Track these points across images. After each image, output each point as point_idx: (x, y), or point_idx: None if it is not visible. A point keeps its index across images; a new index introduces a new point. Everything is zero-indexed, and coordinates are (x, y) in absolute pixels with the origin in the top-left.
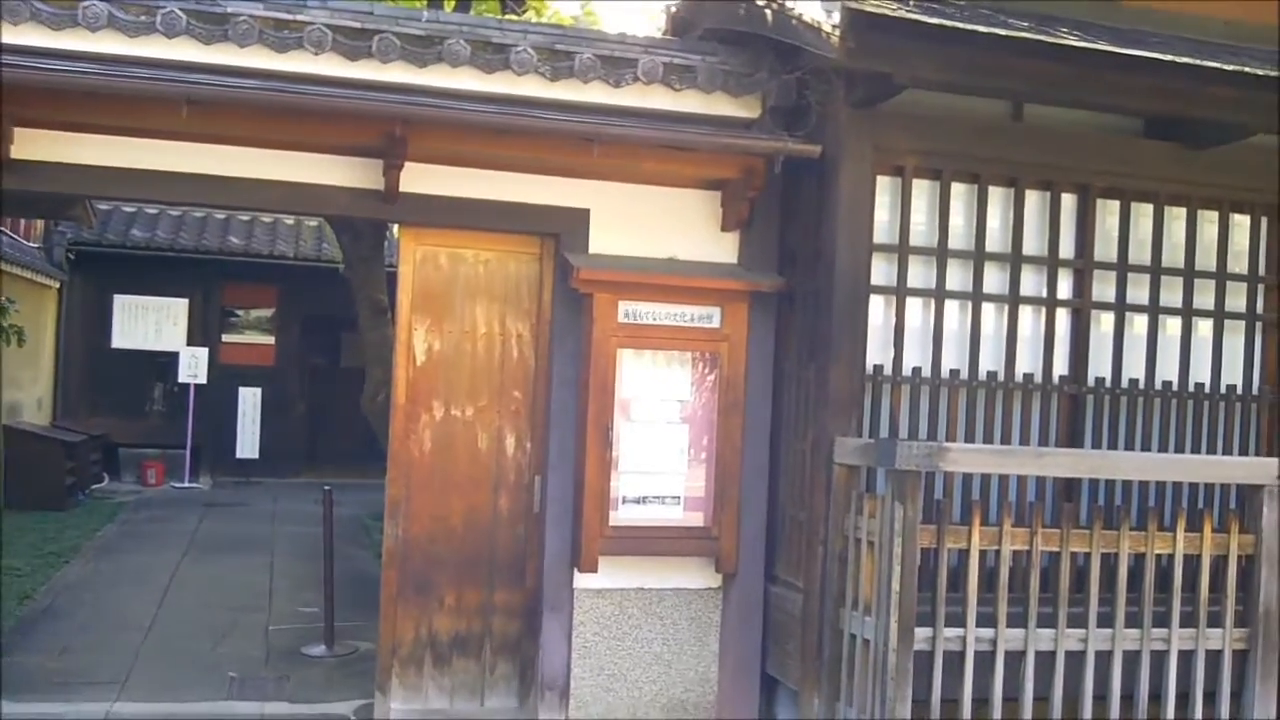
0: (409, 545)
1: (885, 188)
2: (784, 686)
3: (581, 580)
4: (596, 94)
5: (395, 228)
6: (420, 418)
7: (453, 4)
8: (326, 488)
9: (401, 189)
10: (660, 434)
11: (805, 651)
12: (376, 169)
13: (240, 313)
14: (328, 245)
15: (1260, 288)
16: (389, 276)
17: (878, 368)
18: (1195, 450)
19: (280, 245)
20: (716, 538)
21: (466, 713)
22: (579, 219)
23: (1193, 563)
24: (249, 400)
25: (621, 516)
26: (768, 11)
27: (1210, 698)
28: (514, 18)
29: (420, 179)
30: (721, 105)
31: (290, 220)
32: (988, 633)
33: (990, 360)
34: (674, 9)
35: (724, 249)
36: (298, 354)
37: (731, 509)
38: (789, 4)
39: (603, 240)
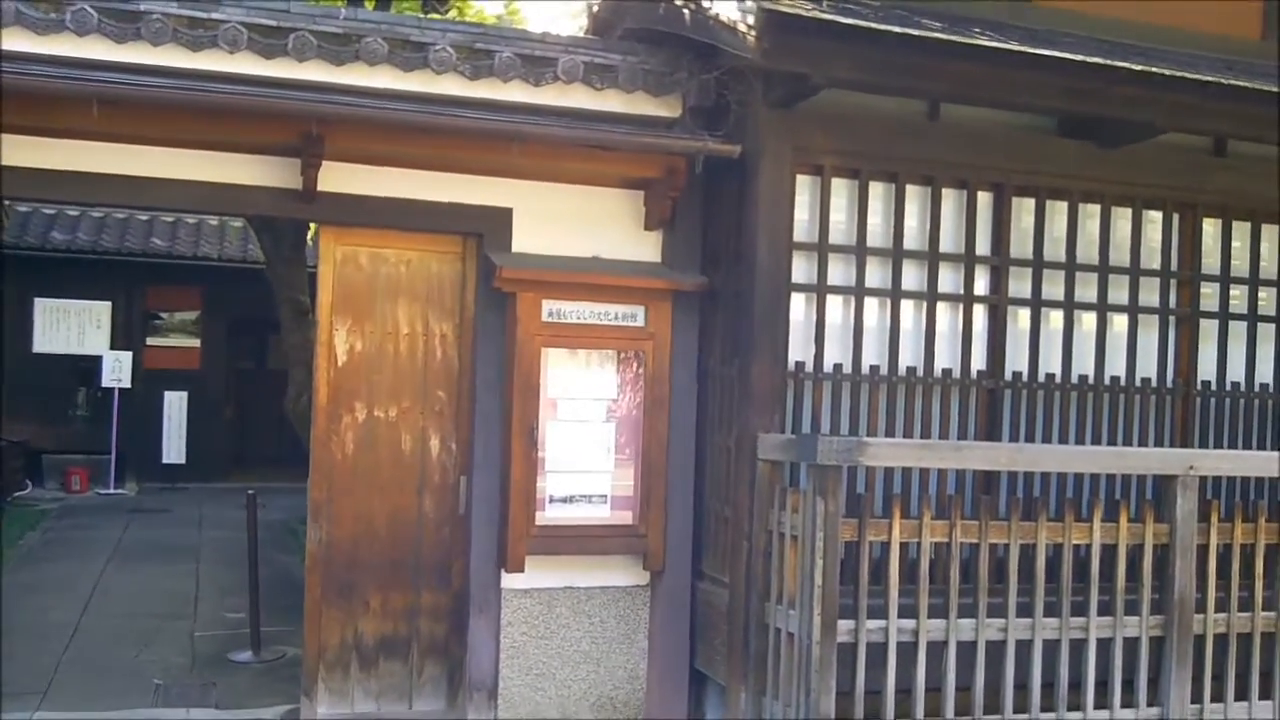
0: (333, 549)
1: (805, 187)
2: (712, 682)
3: (509, 580)
4: (517, 93)
5: (315, 227)
6: (342, 419)
7: (372, 2)
8: (250, 492)
9: (320, 188)
10: (586, 433)
11: (732, 647)
12: (295, 168)
13: (165, 315)
14: (253, 246)
15: (1173, 283)
16: (310, 277)
17: (799, 364)
18: (1111, 442)
19: (205, 246)
20: (644, 535)
21: (394, 715)
22: (501, 218)
23: (1110, 552)
24: (174, 404)
25: (548, 516)
26: (685, 11)
27: (1128, 685)
28: (436, 16)
29: (340, 178)
30: (642, 104)
31: (215, 221)
32: (909, 624)
33: (909, 356)
34: (595, 9)
35: (647, 248)
36: (224, 357)
37: (658, 507)
38: (706, 4)
39: (526, 239)
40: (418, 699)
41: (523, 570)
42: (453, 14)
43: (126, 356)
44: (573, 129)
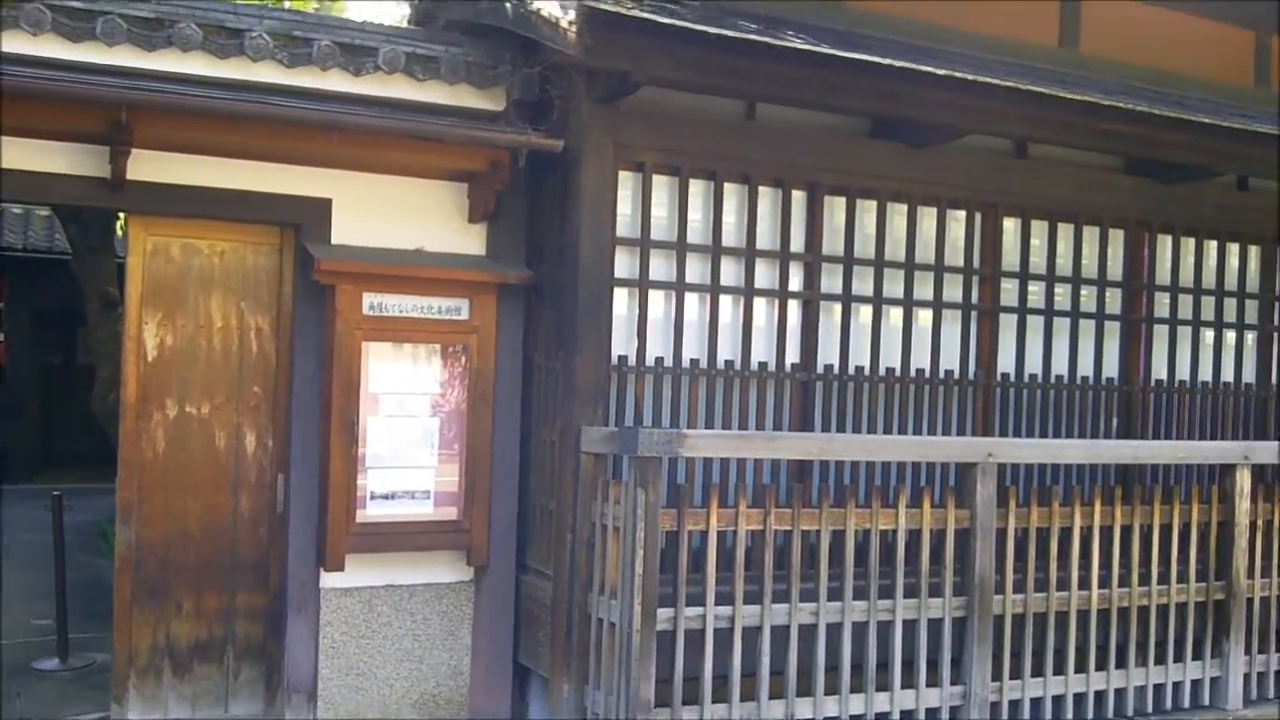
0: (144, 550)
1: (627, 183)
2: (535, 674)
3: (328, 580)
4: (337, 82)
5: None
6: (153, 416)
7: None
8: (56, 493)
9: (130, 177)
10: (409, 428)
11: (555, 638)
12: (104, 156)
13: None
14: (59, 236)
15: (975, 279)
16: (119, 268)
17: (622, 358)
18: (917, 431)
19: (8, 236)
20: (468, 530)
21: (210, 719)
22: (320, 209)
23: (915, 537)
24: None
25: (370, 513)
26: (508, 5)
27: (933, 664)
28: (252, 2)
29: (150, 167)
30: (465, 97)
31: (19, 209)
32: (727, 610)
33: (728, 350)
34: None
35: (472, 241)
36: (29, 351)
37: (482, 501)
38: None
39: (346, 231)
40: (234, 702)
41: (343, 569)
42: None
43: None
44: (392, 120)
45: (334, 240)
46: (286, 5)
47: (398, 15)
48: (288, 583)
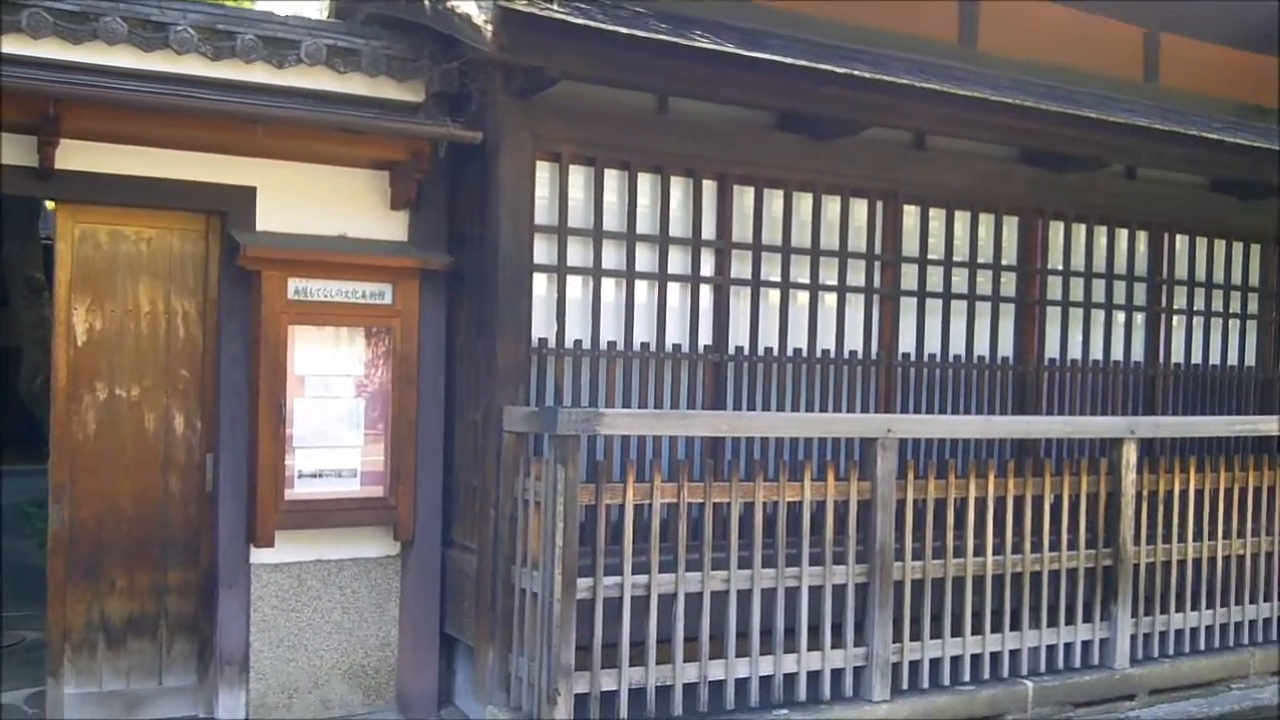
0: (76, 529)
1: (545, 172)
2: (461, 644)
3: (258, 556)
4: (260, 74)
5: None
6: (83, 399)
7: None
8: None
9: (58, 166)
10: (335, 409)
11: (480, 609)
12: (31, 145)
13: None
14: None
15: (877, 264)
16: (46, 252)
17: (542, 340)
18: (823, 409)
19: None
20: (394, 507)
21: (144, 692)
22: (245, 197)
23: (821, 508)
24: None
25: (298, 491)
26: (427, 3)
27: (837, 629)
28: None
29: (78, 156)
30: (386, 89)
31: None
32: (643, 579)
33: (643, 332)
34: None
35: (394, 227)
36: None
37: (408, 479)
38: None
39: (271, 218)
40: (168, 675)
41: (273, 545)
42: None
43: None
44: (317, 112)
45: (259, 227)
46: None
47: (316, 8)
48: (218, 559)
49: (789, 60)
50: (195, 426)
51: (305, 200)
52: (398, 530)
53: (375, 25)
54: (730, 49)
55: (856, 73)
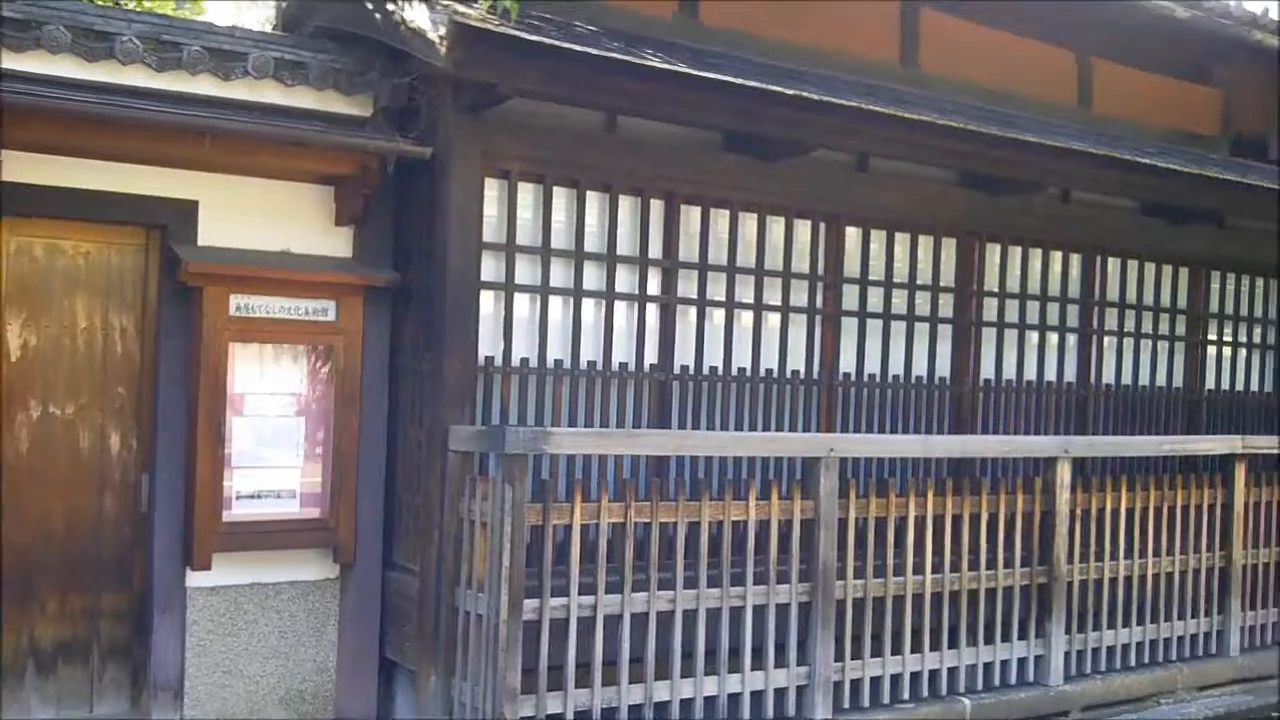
0: (6, 551)
1: (493, 189)
2: (402, 668)
3: (195, 579)
4: (206, 86)
5: None
6: (16, 418)
7: None
8: None
9: None
10: (276, 428)
11: (423, 632)
12: None
13: None
14: None
15: (819, 285)
16: None
17: (489, 359)
18: (766, 428)
19: None
20: (334, 529)
21: (74, 719)
22: (187, 211)
23: (765, 527)
24: None
25: (236, 513)
26: (378, 16)
27: (781, 648)
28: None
29: (14, 167)
30: (333, 102)
31: None
32: (589, 600)
33: (590, 351)
34: (284, 4)
35: (339, 243)
36: None
37: (349, 500)
38: (399, 11)
39: (213, 233)
40: (99, 702)
41: (210, 568)
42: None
43: None
44: (266, 125)
45: (201, 242)
46: (147, 3)
47: (260, 18)
48: (153, 582)
49: (740, 81)
50: (131, 446)
51: (248, 215)
52: (338, 552)
53: (323, 38)
54: (684, 69)
55: (806, 94)
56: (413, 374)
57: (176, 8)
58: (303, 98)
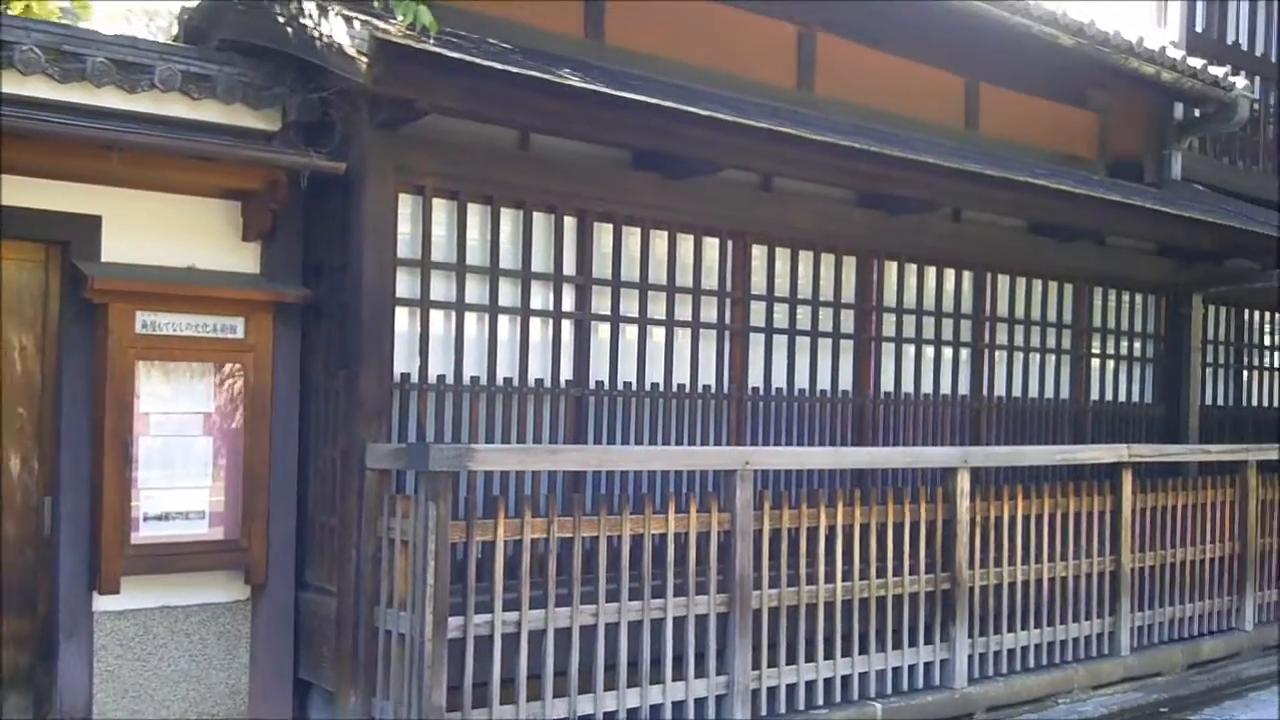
0: None
1: (408, 205)
2: (318, 688)
3: (102, 603)
4: (110, 99)
5: None
6: None
7: None
8: None
9: None
10: (184, 448)
11: (340, 653)
12: None
13: None
14: None
15: (728, 301)
16: None
17: (405, 376)
18: (680, 442)
19: None
20: (246, 549)
21: None
22: (90, 226)
23: (683, 540)
24: None
25: (144, 534)
26: (289, 30)
27: (700, 658)
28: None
29: None
30: (241, 116)
31: None
32: (513, 616)
33: (506, 367)
34: (186, 15)
35: (247, 259)
36: None
37: (260, 520)
38: (314, 26)
39: (118, 248)
40: None
41: (118, 591)
42: (19, 8)
43: None
44: (175, 139)
45: (105, 258)
46: (33, 5)
47: (152, 26)
48: (58, 607)
49: (656, 101)
50: (33, 468)
51: (154, 230)
52: (249, 573)
53: (229, 51)
54: (603, 88)
55: (719, 115)
56: (326, 391)
57: (61, 15)
58: (210, 111)
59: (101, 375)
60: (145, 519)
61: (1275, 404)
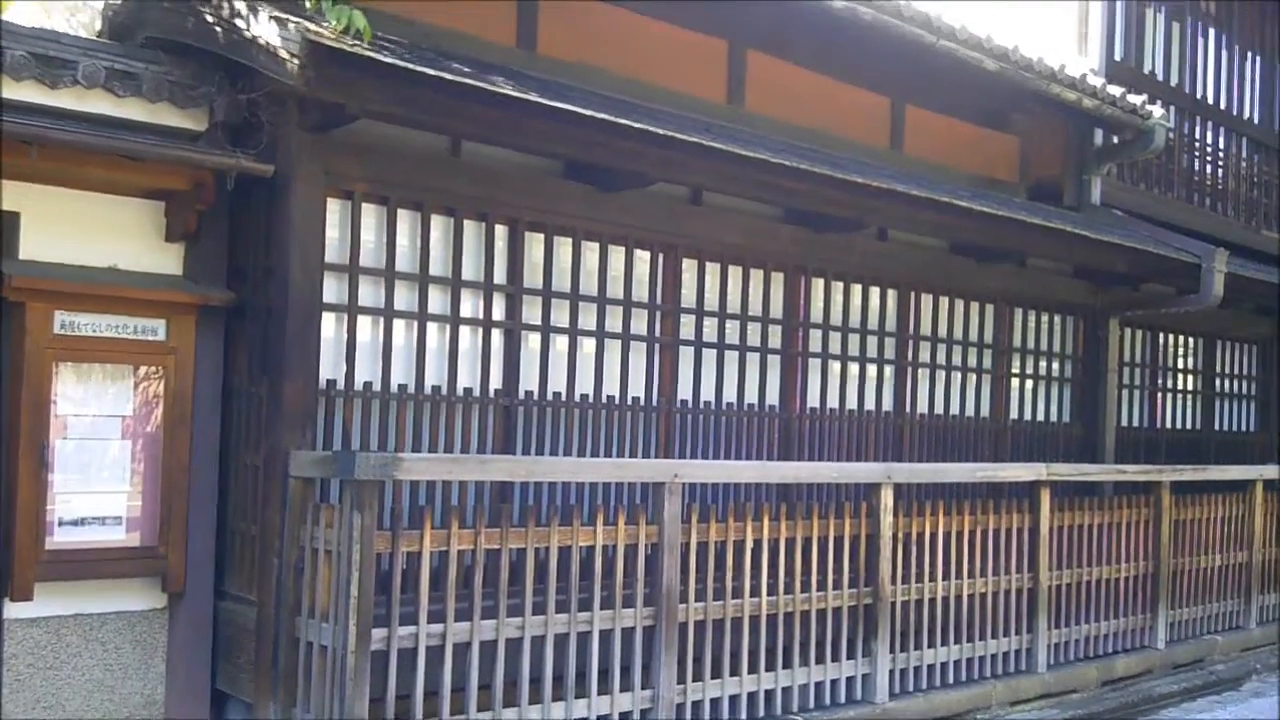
0: None
1: (336, 210)
2: (236, 700)
3: (13, 610)
4: (31, 94)
5: None
6: None
7: None
8: None
9: None
10: (102, 452)
11: (260, 663)
12: None
13: None
14: None
15: (658, 314)
16: None
17: (331, 383)
18: (609, 453)
19: None
20: (164, 557)
21: None
22: (8, 223)
23: (610, 552)
24: None
25: (59, 540)
26: (218, 30)
27: (626, 671)
28: None
29: None
30: (166, 115)
31: None
32: (438, 628)
33: (434, 375)
34: (111, 12)
35: (169, 260)
36: None
37: (179, 527)
38: (243, 27)
39: (36, 247)
40: None
41: (31, 598)
42: None
43: None
44: (100, 136)
45: (23, 255)
46: None
47: (73, 21)
48: None
49: (590, 112)
50: None
51: (74, 229)
52: (167, 581)
53: (155, 49)
54: (537, 98)
55: (652, 129)
56: (248, 397)
57: None
58: (135, 109)
59: (17, 376)
60: (60, 524)
61: (1188, 426)
